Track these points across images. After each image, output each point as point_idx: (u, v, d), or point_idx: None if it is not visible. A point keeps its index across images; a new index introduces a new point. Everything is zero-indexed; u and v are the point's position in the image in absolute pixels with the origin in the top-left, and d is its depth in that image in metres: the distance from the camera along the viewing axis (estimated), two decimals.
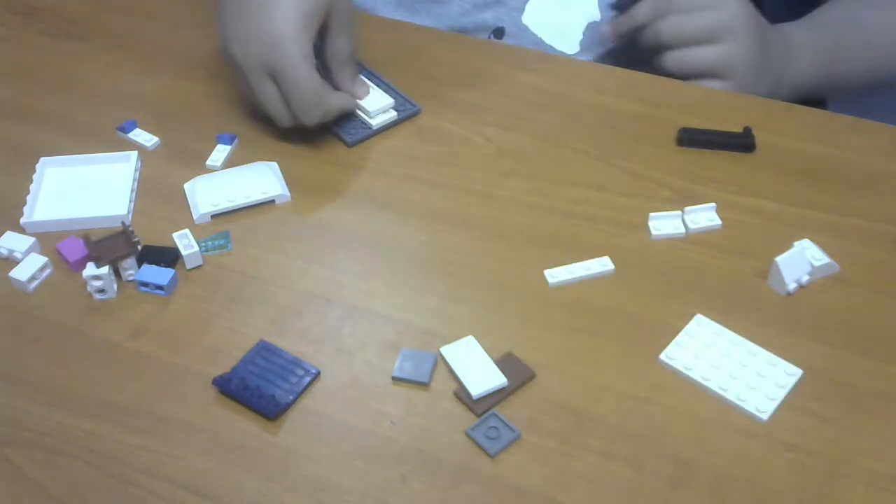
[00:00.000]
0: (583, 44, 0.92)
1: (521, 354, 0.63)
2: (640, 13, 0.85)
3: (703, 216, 0.71)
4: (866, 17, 0.93)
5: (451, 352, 0.63)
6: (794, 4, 0.97)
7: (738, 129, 0.78)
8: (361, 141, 0.79)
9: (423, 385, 0.61)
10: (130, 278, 0.68)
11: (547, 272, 0.68)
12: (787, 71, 0.88)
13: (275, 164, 0.77)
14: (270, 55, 0.73)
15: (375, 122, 0.80)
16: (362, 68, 0.84)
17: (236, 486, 0.57)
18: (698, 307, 0.65)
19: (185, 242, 0.69)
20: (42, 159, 0.76)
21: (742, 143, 0.77)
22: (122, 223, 0.69)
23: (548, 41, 0.93)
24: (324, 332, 0.65)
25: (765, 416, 0.59)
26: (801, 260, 0.67)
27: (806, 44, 0.89)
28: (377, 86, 0.82)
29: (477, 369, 0.61)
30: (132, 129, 0.80)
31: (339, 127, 0.79)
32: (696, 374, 0.61)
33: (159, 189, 0.75)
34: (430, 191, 0.75)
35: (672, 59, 0.84)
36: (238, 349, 0.64)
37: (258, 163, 0.77)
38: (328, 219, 0.73)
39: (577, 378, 0.62)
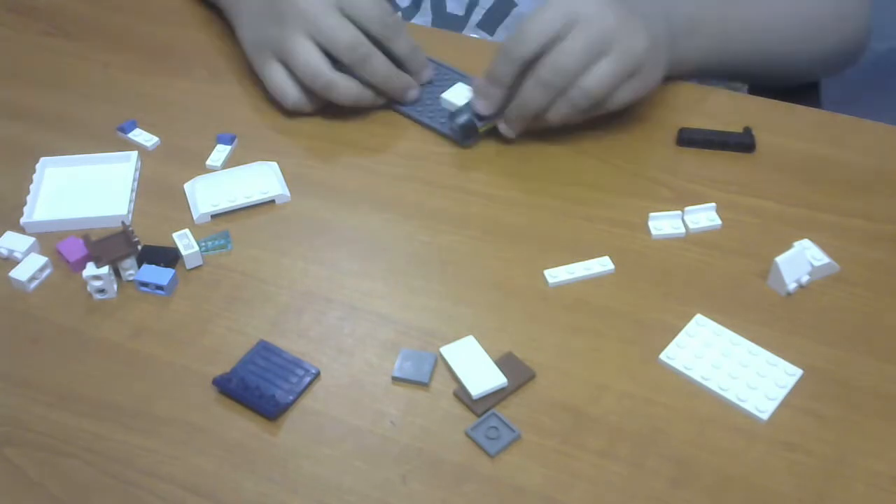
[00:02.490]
0: None
1: (521, 354, 0.63)
2: (502, 75, 0.74)
3: (703, 216, 0.71)
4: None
5: (451, 352, 0.63)
6: None
7: (738, 129, 0.78)
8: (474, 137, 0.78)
9: (423, 385, 0.61)
10: (130, 278, 0.68)
11: (547, 272, 0.68)
12: (681, 44, 0.81)
13: (275, 164, 0.77)
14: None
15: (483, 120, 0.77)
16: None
17: (236, 486, 0.57)
18: (698, 307, 0.65)
19: (185, 242, 0.69)
20: (42, 159, 0.76)
21: (742, 143, 0.77)
22: (122, 223, 0.69)
23: None
24: (324, 332, 0.65)
25: (765, 416, 0.59)
26: (801, 260, 0.67)
27: (698, 19, 0.82)
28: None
29: (477, 369, 0.61)
30: (132, 129, 0.80)
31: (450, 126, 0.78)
32: (696, 374, 0.61)
33: (159, 189, 0.75)
34: (430, 191, 0.75)
35: (576, 99, 0.72)
36: (238, 349, 0.63)
37: (258, 163, 0.77)
38: (328, 219, 0.73)
39: (577, 378, 0.62)
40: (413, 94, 0.81)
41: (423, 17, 0.98)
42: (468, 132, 0.77)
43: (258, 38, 0.81)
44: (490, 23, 0.97)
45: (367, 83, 0.79)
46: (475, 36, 0.96)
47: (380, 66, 0.78)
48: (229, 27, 0.89)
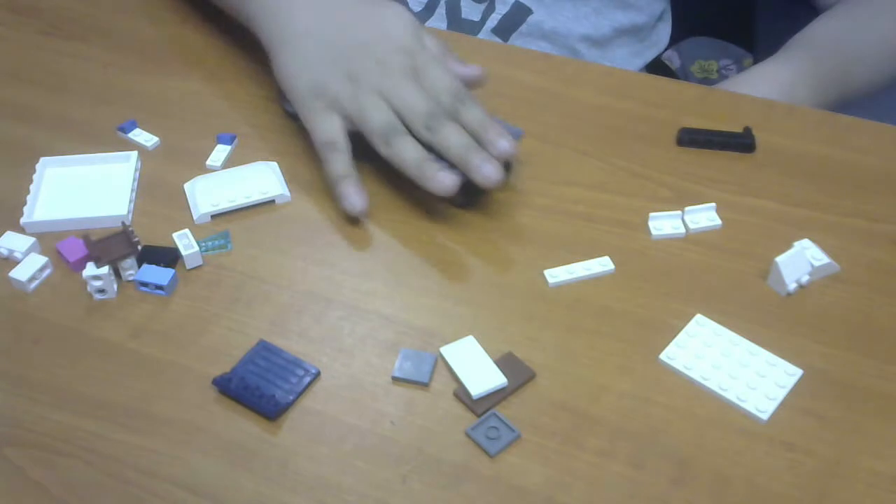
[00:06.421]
0: None
1: (521, 354, 0.63)
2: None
3: (703, 216, 0.71)
4: (845, 33, 0.93)
5: (451, 352, 0.63)
6: (784, 5, 0.97)
7: (738, 129, 0.78)
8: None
9: (423, 385, 0.61)
10: (130, 278, 0.68)
11: (547, 272, 0.68)
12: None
13: (275, 164, 0.77)
14: (411, 43, 0.72)
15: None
16: None
17: (236, 486, 0.57)
18: (698, 307, 0.65)
19: (185, 242, 0.69)
20: (42, 159, 0.76)
21: (742, 143, 0.77)
22: (122, 223, 0.69)
23: None
24: (324, 332, 0.65)
25: (765, 416, 0.59)
26: (801, 260, 0.67)
27: (798, 81, 0.88)
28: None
29: (477, 369, 0.61)
30: (132, 129, 0.80)
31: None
32: (696, 374, 0.61)
33: (159, 189, 0.75)
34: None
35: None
36: (238, 349, 0.64)
37: (258, 163, 0.77)
38: (328, 219, 0.73)
39: (577, 378, 0.62)
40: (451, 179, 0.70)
41: (438, 22, 0.98)
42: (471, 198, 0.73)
43: (317, 84, 0.74)
44: (505, 29, 0.97)
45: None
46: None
47: (455, 137, 0.70)
48: (230, 28, 0.89)
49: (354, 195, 0.71)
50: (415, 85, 0.71)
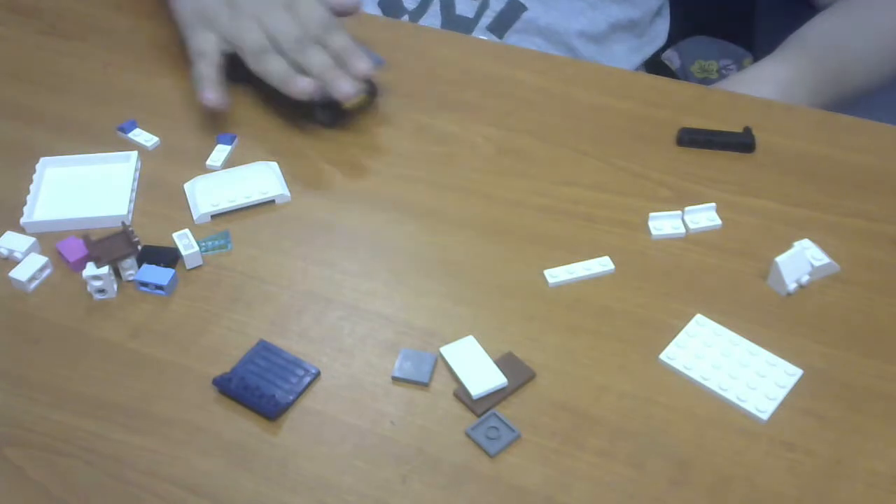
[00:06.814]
0: None
1: (521, 354, 0.63)
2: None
3: (703, 216, 0.71)
4: (844, 33, 0.93)
5: (451, 352, 0.63)
6: (783, 5, 0.97)
7: (738, 129, 0.78)
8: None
9: (423, 385, 0.61)
10: (130, 278, 0.68)
11: (547, 272, 0.68)
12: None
13: (275, 164, 0.77)
14: None
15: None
16: None
17: (236, 486, 0.57)
18: (698, 307, 0.65)
19: (185, 242, 0.69)
20: (42, 159, 0.76)
21: (742, 143, 0.77)
22: (122, 223, 0.69)
23: None
24: (324, 332, 0.65)
25: (765, 416, 0.59)
26: (801, 260, 0.67)
27: (796, 80, 0.89)
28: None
29: (477, 369, 0.61)
30: (132, 129, 0.80)
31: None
32: (696, 374, 0.61)
33: (159, 189, 0.75)
34: (430, 191, 0.75)
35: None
36: (238, 349, 0.64)
37: (258, 163, 0.77)
38: (328, 219, 0.73)
39: (577, 378, 0.62)
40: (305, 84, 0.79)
41: (433, 19, 0.98)
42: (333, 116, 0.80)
43: (200, 7, 0.82)
44: (499, 26, 0.97)
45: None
46: (483, 38, 0.96)
47: (317, 57, 0.79)
48: None
49: (210, 90, 0.79)
50: (288, 13, 0.79)
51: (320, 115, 0.80)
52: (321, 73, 0.78)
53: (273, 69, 0.78)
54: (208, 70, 0.80)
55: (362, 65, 0.78)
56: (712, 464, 0.57)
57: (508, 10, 0.96)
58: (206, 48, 0.80)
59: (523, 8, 0.96)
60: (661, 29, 1.06)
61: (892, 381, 0.61)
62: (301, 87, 0.77)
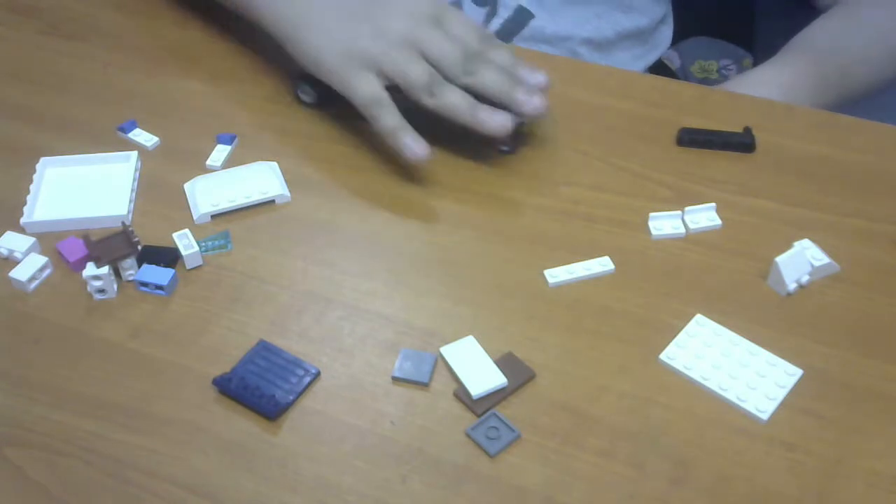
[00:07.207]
0: None
1: (521, 354, 0.63)
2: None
3: (703, 216, 0.71)
4: (847, 34, 0.93)
5: (451, 352, 0.63)
6: (783, 5, 0.97)
7: (738, 129, 0.78)
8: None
9: (423, 385, 0.61)
10: (130, 278, 0.68)
11: (547, 272, 0.68)
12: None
13: (275, 164, 0.77)
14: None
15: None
16: None
17: (236, 486, 0.57)
18: (698, 307, 0.65)
19: (185, 242, 0.69)
20: (42, 159, 0.76)
21: (742, 143, 0.77)
22: (122, 223, 0.69)
23: None
24: (324, 332, 0.65)
25: (765, 416, 0.59)
26: (801, 260, 0.67)
27: (798, 84, 0.89)
28: None
29: (477, 369, 0.61)
30: (132, 129, 0.80)
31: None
32: (696, 374, 0.61)
33: (159, 189, 0.75)
34: (430, 191, 0.75)
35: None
36: (238, 349, 0.63)
37: (258, 163, 0.77)
38: (328, 219, 0.73)
39: (577, 378, 0.62)
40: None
41: None
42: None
43: (347, 47, 0.74)
44: (507, 33, 0.97)
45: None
46: None
47: (489, 76, 0.72)
48: (230, 28, 0.89)
49: (413, 143, 0.72)
50: (440, 31, 0.72)
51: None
52: (504, 92, 0.71)
53: (455, 103, 0.71)
54: (396, 120, 0.72)
55: (538, 75, 0.72)
56: (712, 464, 0.57)
57: (516, 17, 0.96)
58: (379, 94, 0.72)
59: (531, 16, 0.96)
60: (666, 36, 1.06)
61: (892, 381, 0.61)
62: (499, 123, 0.71)
